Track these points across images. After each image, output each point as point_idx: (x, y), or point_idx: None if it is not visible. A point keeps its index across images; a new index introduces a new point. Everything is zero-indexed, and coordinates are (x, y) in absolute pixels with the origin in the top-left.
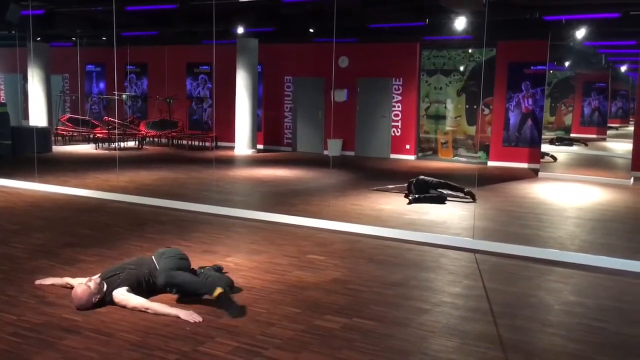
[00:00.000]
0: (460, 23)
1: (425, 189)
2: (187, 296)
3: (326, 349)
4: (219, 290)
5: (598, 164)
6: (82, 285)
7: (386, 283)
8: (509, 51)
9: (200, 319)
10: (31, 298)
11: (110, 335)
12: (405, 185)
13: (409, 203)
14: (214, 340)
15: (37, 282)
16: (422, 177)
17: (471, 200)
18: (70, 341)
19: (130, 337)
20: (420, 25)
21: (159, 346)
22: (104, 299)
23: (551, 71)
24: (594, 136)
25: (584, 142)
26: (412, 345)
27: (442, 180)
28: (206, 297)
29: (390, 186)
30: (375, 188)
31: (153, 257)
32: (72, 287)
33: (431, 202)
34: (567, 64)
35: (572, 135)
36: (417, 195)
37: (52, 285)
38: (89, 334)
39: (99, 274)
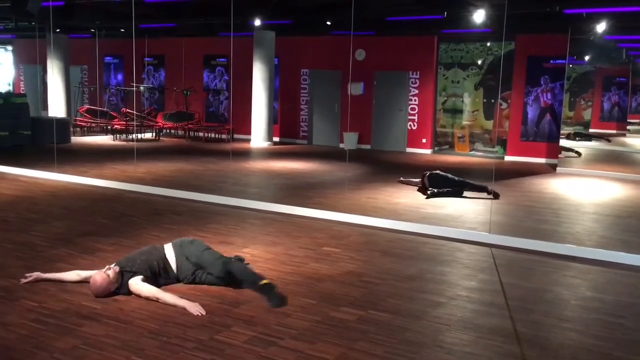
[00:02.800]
0: (478, 16)
1: (444, 185)
2: (230, 284)
3: (341, 340)
4: (266, 281)
5: (617, 160)
6: (102, 273)
7: (401, 276)
8: (528, 45)
9: (204, 312)
10: (51, 285)
11: (128, 322)
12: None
13: (427, 197)
14: (231, 329)
15: (24, 281)
16: (439, 172)
17: (493, 197)
18: (89, 328)
19: (148, 324)
20: (439, 18)
21: (177, 334)
22: (120, 288)
23: (571, 65)
24: (614, 131)
25: (606, 138)
26: (427, 338)
27: (463, 180)
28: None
29: (415, 180)
30: (403, 179)
31: (166, 246)
32: (82, 280)
33: (448, 196)
34: (587, 58)
35: (591, 130)
36: (435, 190)
37: (36, 280)
38: (107, 321)
39: (114, 263)
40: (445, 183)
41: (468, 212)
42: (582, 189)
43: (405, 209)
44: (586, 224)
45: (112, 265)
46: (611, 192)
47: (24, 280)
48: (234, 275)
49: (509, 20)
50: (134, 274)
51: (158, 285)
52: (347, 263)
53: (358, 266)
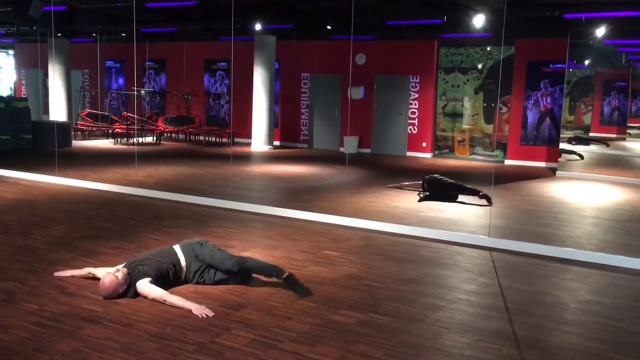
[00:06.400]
0: (478, 20)
1: (438, 188)
2: (241, 282)
3: (341, 343)
4: (287, 273)
5: (617, 164)
6: (110, 275)
7: (401, 279)
8: (528, 49)
9: (212, 314)
10: (52, 288)
11: (129, 325)
12: (420, 182)
13: (420, 200)
14: (231, 332)
15: (56, 274)
16: (436, 175)
17: (487, 204)
18: (90, 331)
19: (149, 327)
20: (439, 22)
21: (177, 337)
22: (128, 290)
23: (570, 69)
24: (614, 136)
25: (604, 142)
26: (426, 341)
27: (457, 183)
28: (274, 279)
29: (406, 183)
30: (391, 185)
31: (176, 247)
32: (93, 277)
33: (442, 200)
34: (586, 62)
35: (591, 134)
36: (427, 193)
37: (72, 276)
38: (108, 324)
39: (123, 264)
40: (440, 187)
41: (468, 215)
42: (582, 193)
43: (405, 212)
44: (586, 228)
45: (121, 267)
46: (611, 196)
47: (57, 274)
48: (249, 270)
49: (509, 25)
50: (142, 275)
51: (165, 287)
52: (347, 266)
53: (358, 269)
